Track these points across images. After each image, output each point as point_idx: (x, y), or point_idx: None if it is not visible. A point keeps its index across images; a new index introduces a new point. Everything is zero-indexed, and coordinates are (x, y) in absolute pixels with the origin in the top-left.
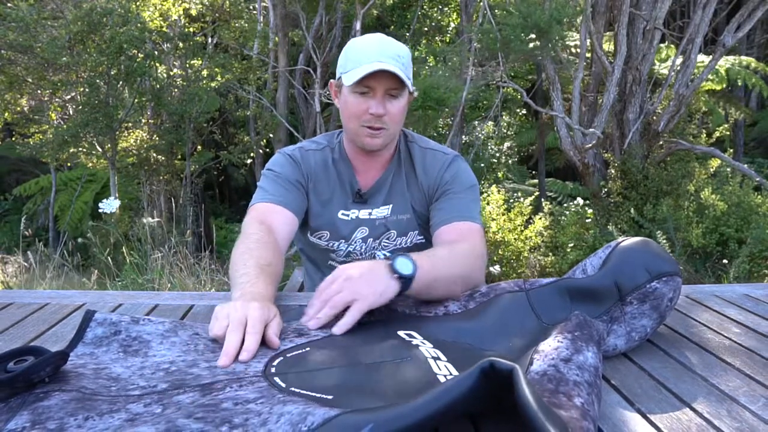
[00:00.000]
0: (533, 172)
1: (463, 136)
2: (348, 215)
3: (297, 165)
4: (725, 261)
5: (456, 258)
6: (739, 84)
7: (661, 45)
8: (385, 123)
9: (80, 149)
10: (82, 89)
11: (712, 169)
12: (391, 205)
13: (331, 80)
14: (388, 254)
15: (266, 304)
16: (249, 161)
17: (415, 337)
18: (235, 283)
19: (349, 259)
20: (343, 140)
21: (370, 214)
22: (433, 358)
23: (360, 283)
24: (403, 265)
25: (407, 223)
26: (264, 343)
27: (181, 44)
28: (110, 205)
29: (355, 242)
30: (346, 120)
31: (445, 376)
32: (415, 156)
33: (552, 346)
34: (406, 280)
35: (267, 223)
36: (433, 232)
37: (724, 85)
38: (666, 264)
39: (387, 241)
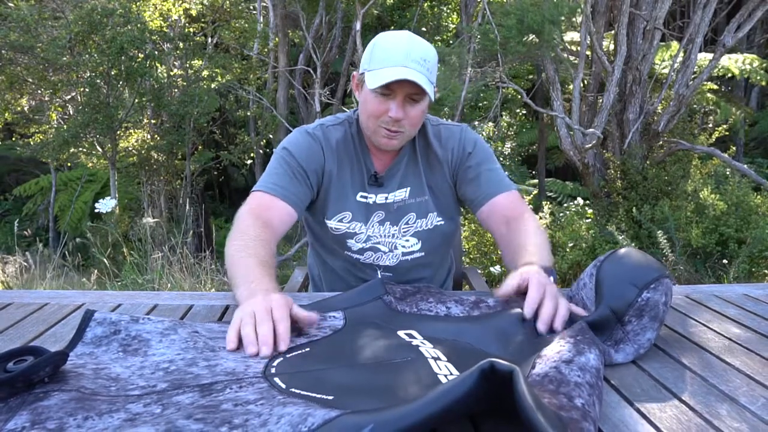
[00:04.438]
0: (533, 172)
1: None
2: (366, 198)
3: (317, 144)
4: (725, 261)
5: (542, 234)
6: (753, 78)
7: (662, 43)
8: (402, 126)
9: (80, 149)
10: (82, 89)
11: (712, 170)
12: (408, 188)
13: (354, 72)
14: (408, 242)
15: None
16: (249, 161)
17: (415, 337)
18: (239, 282)
19: (368, 246)
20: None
21: (386, 198)
22: (433, 358)
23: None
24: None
25: (426, 204)
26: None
27: (181, 44)
28: (106, 204)
29: (373, 226)
30: (365, 118)
31: (445, 375)
32: (429, 134)
33: (554, 350)
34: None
35: (264, 218)
36: (479, 205)
37: (730, 76)
38: (649, 271)
39: (407, 225)
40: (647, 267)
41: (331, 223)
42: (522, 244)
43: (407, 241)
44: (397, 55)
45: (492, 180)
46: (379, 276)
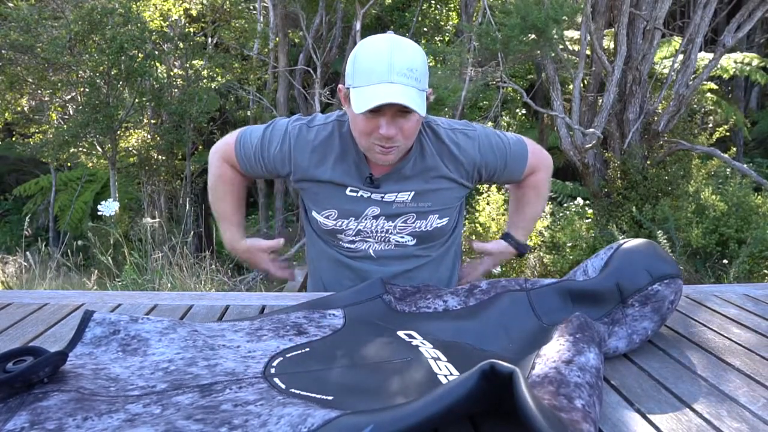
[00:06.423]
0: None
1: None
2: (358, 192)
3: (286, 152)
4: (725, 261)
5: (543, 197)
6: (753, 77)
7: (663, 39)
8: (397, 141)
9: (80, 149)
10: (82, 89)
11: (712, 170)
12: (412, 193)
13: (340, 85)
14: (402, 239)
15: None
16: None
17: (415, 338)
18: (223, 222)
19: (359, 238)
20: None
21: (382, 197)
22: (433, 358)
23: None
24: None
25: (428, 209)
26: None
27: (181, 44)
28: (109, 207)
29: (366, 220)
30: (357, 136)
31: (445, 376)
32: (444, 137)
33: (554, 349)
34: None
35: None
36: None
37: (728, 76)
38: (667, 266)
39: (404, 224)
40: (666, 262)
41: (319, 218)
42: (514, 210)
43: (402, 237)
44: (380, 70)
45: (517, 169)
46: (373, 255)
